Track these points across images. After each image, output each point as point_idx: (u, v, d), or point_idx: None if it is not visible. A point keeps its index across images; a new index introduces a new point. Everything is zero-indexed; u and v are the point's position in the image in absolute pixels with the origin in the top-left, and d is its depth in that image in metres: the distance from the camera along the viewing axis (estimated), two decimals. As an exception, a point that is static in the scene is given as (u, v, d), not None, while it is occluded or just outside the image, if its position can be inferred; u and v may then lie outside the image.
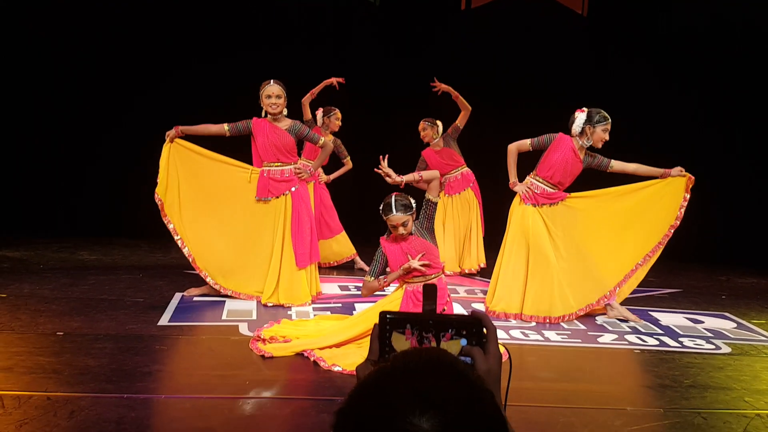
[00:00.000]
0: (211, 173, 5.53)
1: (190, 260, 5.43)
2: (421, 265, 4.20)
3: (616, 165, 5.32)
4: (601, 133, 5.14)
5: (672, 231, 5.30)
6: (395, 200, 4.20)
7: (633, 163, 5.33)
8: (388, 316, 1.15)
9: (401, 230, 4.22)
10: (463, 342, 1.13)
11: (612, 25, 8.61)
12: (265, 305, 5.38)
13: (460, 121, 6.77)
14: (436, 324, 1.14)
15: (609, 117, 5.17)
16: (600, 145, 5.20)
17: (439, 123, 6.86)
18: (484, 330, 1.14)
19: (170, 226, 5.37)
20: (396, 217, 4.19)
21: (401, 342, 1.14)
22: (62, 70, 8.23)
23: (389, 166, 4.29)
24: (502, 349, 1.15)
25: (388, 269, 4.39)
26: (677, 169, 5.27)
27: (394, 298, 4.41)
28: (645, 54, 8.48)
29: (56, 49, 8.21)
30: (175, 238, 5.39)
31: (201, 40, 8.22)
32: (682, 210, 5.27)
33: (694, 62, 8.50)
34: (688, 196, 5.25)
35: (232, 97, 7.14)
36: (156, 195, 5.33)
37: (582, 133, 5.18)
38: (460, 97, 6.66)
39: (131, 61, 8.21)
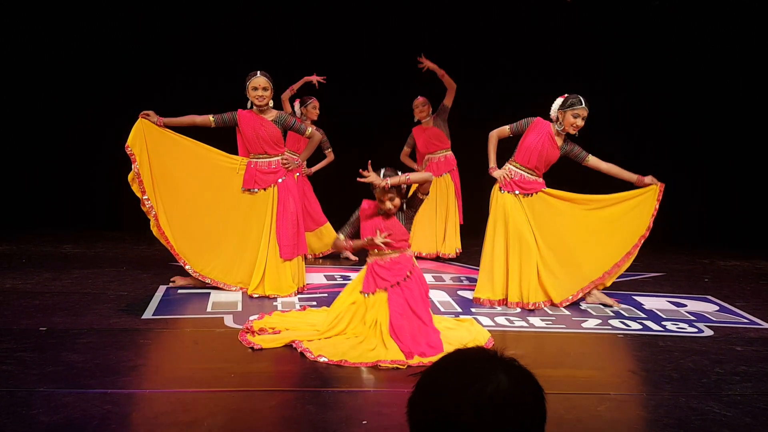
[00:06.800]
0: (195, 163, 5.46)
1: (158, 231, 5.30)
2: (382, 243, 4.21)
3: (592, 160, 5.28)
4: (571, 118, 5.06)
5: (642, 241, 5.31)
6: (384, 170, 4.21)
7: (609, 163, 5.29)
8: None
9: (388, 204, 4.21)
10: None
11: (598, 6, 8.58)
12: (250, 296, 5.38)
13: (447, 100, 6.79)
14: None
15: (583, 102, 5.07)
16: (573, 131, 5.13)
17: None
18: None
19: (141, 187, 5.20)
20: None
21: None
22: (47, 65, 8.13)
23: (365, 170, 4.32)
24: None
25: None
26: (650, 178, 5.26)
27: (360, 276, 4.44)
28: (631, 34, 8.47)
29: (45, 46, 8.11)
30: (143, 197, 5.23)
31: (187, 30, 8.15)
32: (652, 219, 5.28)
33: (680, 43, 8.49)
34: (658, 206, 5.26)
35: (214, 84, 7.08)
36: (126, 147, 5.16)
37: (557, 117, 5.18)
38: (446, 75, 6.64)
39: (136, 50, 8.13)
